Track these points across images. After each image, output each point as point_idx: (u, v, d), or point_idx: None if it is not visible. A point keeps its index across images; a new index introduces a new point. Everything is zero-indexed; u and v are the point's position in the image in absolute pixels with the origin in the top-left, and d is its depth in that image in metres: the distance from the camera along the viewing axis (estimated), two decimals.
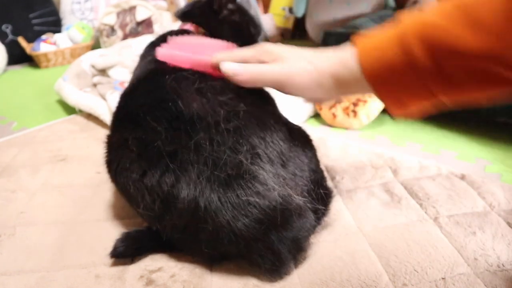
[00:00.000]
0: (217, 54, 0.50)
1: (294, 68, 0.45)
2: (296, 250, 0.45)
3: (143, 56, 0.63)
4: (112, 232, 0.54)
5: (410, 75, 0.38)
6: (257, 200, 0.41)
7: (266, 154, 0.44)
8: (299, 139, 0.51)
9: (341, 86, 0.44)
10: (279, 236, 0.42)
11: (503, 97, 0.38)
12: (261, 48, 0.48)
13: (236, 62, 0.48)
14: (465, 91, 0.38)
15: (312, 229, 0.47)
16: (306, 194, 0.46)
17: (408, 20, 0.39)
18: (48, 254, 0.51)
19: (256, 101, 0.49)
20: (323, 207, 0.50)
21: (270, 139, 0.45)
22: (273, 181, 0.43)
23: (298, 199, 0.44)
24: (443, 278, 0.44)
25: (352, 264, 0.47)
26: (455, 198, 0.58)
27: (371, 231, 0.52)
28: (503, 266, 0.46)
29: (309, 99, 0.51)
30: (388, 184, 0.63)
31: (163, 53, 0.55)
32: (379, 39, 0.41)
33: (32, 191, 0.66)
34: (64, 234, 0.55)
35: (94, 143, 0.84)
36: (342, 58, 0.43)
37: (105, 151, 0.52)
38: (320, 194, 0.49)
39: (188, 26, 0.65)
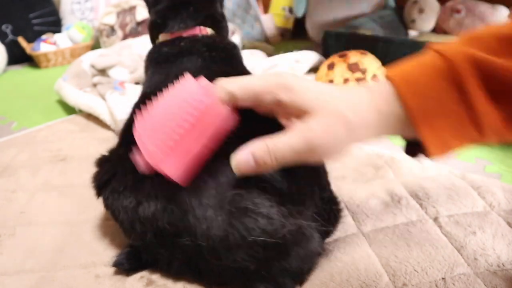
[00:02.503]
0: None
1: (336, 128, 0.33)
2: (301, 280, 0.44)
3: (152, 65, 0.63)
4: (112, 232, 0.54)
5: (462, 114, 0.32)
6: (261, 235, 0.38)
7: (270, 177, 0.41)
8: None
9: (384, 128, 0.35)
10: (282, 268, 0.40)
11: None
12: (268, 83, 0.35)
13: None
14: None
15: (317, 257, 0.46)
16: (317, 216, 0.44)
17: (450, 50, 0.32)
18: (48, 254, 0.51)
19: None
20: (333, 228, 0.49)
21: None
22: (277, 212, 0.39)
23: (307, 227, 0.41)
24: (443, 278, 0.44)
25: (351, 264, 0.47)
26: (455, 198, 0.58)
27: (371, 231, 0.52)
28: (503, 266, 0.46)
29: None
30: (388, 184, 0.63)
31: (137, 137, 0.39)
32: (418, 70, 0.34)
33: (32, 191, 0.66)
34: (64, 234, 0.55)
35: (94, 143, 0.84)
36: (381, 93, 0.34)
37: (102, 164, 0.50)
38: (332, 212, 0.48)
39: (197, 31, 0.64)
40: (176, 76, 0.46)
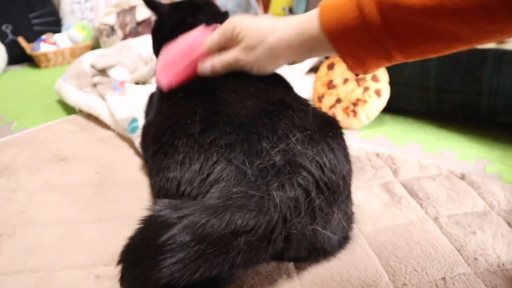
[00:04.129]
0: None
1: (257, 51, 0.49)
2: None
3: None
4: (112, 232, 0.54)
5: (365, 33, 0.40)
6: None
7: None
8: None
9: (306, 47, 0.47)
10: None
11: (452, 51, 0.40)
12: (224, 33, 0.52)
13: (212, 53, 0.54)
14: (413, 47, 0.40)
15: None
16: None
17: None
18: (48, 254, 0.51)
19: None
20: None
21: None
22: None
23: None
24: (443, 278, 0.44)
25: (352, 264, 0.47)
26: (455, 198, 0.58)
27: (371, 231, 0.52)
28: (503, 265, 0.46)
29: (279, 66, 0.54)
30: (388, 184, 0.63)
31: (160, 77, 0.60)
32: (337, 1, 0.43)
33: (32, 191, 0.66)
34: (64, 234, 0.55)
35: (94, 143, 0.84)
36: (307, 18, 0.45)
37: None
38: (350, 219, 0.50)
39: None
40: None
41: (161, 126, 0.52)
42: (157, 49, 0.74)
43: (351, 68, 0.46)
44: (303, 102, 0.52)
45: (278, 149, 0.42)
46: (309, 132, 0.44)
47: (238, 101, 0.49)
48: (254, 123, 0.45)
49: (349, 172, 0.48)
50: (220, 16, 0.72)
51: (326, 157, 0.43)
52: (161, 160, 0.48)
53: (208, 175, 0.43)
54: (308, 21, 0.45)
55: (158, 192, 0.49)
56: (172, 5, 0.73)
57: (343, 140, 0.50)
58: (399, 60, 0.42)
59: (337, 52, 0.44)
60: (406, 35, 0.39)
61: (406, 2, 0.37)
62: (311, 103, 0.53)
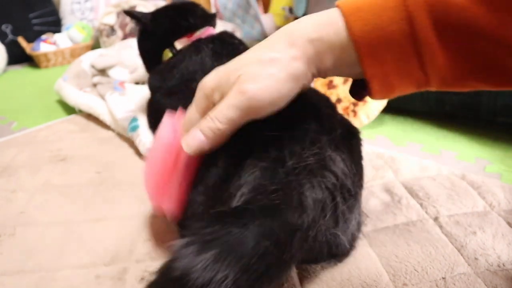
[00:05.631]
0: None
1: (255, 87, 0.34)
2: None
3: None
4: (112, 232, 0.54)
5: (408, 49, 0.31)
6: None
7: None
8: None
9: (322, 59, 0.35)
10: None
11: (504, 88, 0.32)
12: (199, 98, 0.38)
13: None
14: (466, 78, 0.32)
15: None
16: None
17: None
18: (48, 254, 0.51)
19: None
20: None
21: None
22: None
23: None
24: (443, 278, 0.44)
25: (352, 264, 0.47)
26: (455, 198, 0.58)
27: (372, 231, 0.52)
28: (504, 265, 0.46)
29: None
30: (388, 184, 0.63)
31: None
32: (368, 2, 0.32)
33: (32, 191, 0.66)
34: (64, 234, 0.55)
35: (94, 143, 0.84)
36: (327, 21, 0.33)
37: None
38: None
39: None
40: None
41: None
42: (146, 61, 0.73)
43: (373, 90, 0.34)
44: (329, 104, 0.50)
45: (310, 152, 0.40)
46: (336, 137, 0.44)
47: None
48: (286, 125, 0.42)
49: (363, 183, 0.49)
50: (209, 18, 0.70)
51: (348, 165, 0.43)
52: None
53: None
54: (329, 22, 0.33)
55: None
56: (155, 13, 0.69)
57: (361, 151, 0.49)
58: (433, 88, 0.34)
59: (363, 70, 0.33)
60: (464, 64, 0.30)
61: (473, 23, 0.28)
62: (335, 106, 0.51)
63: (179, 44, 0.66)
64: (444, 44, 0.30)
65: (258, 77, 0.34)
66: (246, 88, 0.34)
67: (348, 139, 0.46)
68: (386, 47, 0.31)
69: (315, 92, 0.54)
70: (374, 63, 0.32)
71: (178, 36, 0.66)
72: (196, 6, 0.71)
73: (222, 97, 0.36)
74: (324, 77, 0.37)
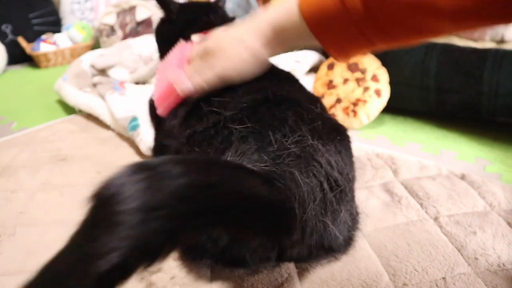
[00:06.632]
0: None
1: (228, 63, 0.50)
2: None
3: None
4: None
5: (346, 22, 0.39)
6: None
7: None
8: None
9: (284, 39, 0.46)
10: None
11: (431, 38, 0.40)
12: (200, 50, 0.54)
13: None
14: (396, 37, 0.40)
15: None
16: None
17: None
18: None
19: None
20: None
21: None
22: None
23: None
24: (443, 278, 0.44)
25: (352, 264, 0.47)
26: (455, 197, 0.58)
27: (372, 231, 0.52)
28: (504, 265, 0.46)
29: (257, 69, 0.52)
30: (388, 184, 0.63)
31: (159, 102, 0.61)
32: None
33: (32, 191, 0.66)
34: (64, 234, 0.54)
35: (94, 143, 0.83)
36: (285, 9, 0.45)
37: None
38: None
39: None
40: None
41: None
42: (163, 48, 0.74)
43: (334, 57, 0.46)
44: (314, 100, 0.52)
45: (292, 139, 0.42)
46: (318, 128, 0.45)
47: (246, 94, 0.49)
48: (264, 115, 0.45)
49: (353, 178, 0.49)
50: (228, 20, 0.73)
51: (333, 157, 0.43)
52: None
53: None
54: (286, 11, 0.44)
55: None
56: (183, 5, 0.74)
57: (350, 148, 0.50)
58: (381, 48, 0.42)
59: (320, 43, 0.44)
60: (388, 27, 0.39)
61: None
62: (321, 102, 0.53)
63: (195, 38, 0.67)
64: (369, 11, 0.38)
65: (231, 56, 0.50)
66: (223, 65, 0.51)
67: (334, 134, 0.47)
68: (328, 21, 0.41)
69: (302, 91, 0.57)
70: (325, 36, 0.43)
71: (197, 30, 0.68)
72: (219, 7, 0.76)
73: (211, 56, 0.52)
74: (291, 50, 0.53)
